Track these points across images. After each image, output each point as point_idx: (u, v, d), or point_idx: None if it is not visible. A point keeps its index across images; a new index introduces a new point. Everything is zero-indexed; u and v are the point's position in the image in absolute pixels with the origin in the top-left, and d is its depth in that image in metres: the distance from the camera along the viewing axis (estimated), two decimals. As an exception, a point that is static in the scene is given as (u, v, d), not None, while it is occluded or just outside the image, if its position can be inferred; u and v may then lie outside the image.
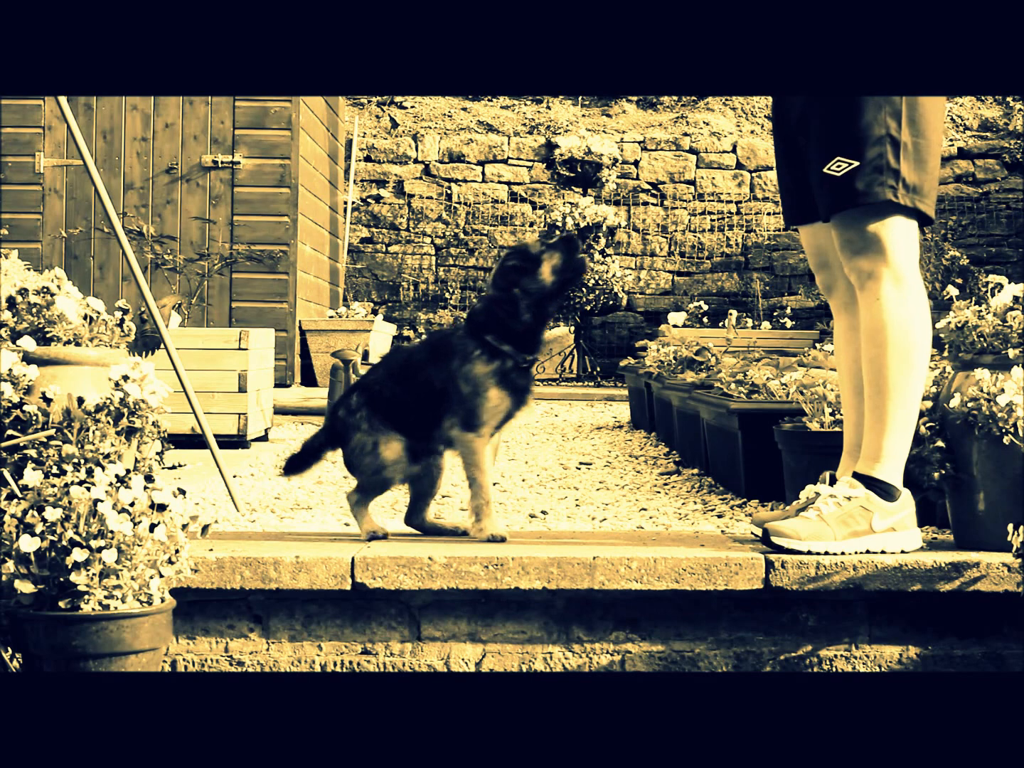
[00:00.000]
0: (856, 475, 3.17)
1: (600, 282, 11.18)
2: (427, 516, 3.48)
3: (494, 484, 5.44)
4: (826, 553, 3.03)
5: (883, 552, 3.08)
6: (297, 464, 3.44)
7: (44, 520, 2.57)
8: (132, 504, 2.61)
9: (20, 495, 2.72)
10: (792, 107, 3.25)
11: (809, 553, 3.03)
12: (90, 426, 3.01)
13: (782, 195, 3.42)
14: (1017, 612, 3.02)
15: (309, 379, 10.21)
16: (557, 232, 11.20)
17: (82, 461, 2.91)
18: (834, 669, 3.08)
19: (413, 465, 3.33)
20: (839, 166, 3.10)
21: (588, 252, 11.20)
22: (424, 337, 3.58)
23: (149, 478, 2.67)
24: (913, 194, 3.10)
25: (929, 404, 3.24)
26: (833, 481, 3.23)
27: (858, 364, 3.26)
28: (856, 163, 3.09)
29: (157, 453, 3.26)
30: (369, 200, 12.47)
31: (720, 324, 10.68)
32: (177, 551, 2.69)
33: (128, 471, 2.68)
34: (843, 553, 3.04)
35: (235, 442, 6.71)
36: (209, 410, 6.24)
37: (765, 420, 4.45)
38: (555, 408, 9.52)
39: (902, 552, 3.11)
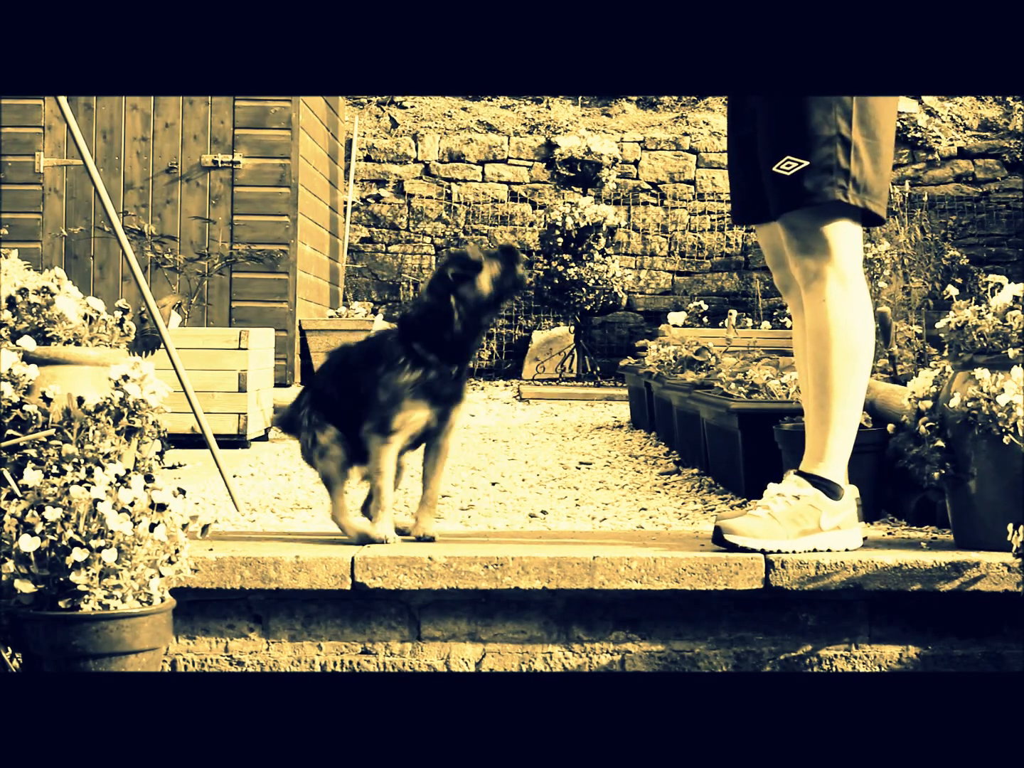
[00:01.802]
0: (802, 473, 3.18)
1: (600, 282, 11.17)
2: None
3: (493, 484, 5.46)
4: (779, 552, 3.04)
5: (829, 551, 3.09)
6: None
7: (44, 520, 2.57)
8: (132, 504, 2.61)
9: (20, 495, 2.72)
10: (747, 105, 3.24)
11: (763, 552, 3.04)
12: (90, 426, 3.02)
13: (732, 194, 3.39)
14: (1017, 612, 3.02)
15: (309, 379, 10.20)
16: (556, 231, 11.20)
17: (82, 461, 2.91)
18: (834, 669, 3.08)
19: (359, 463, 3.30)
20: (788, 165, 3.09)
21: (588, 252, 11.19)
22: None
23: (149, 478, 2.67)
24: (863, 194, 3.10)
25: (929, 404, 3.24)
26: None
27: None
28: (806, 163, 3.08)
29: (157, 453, 3.26)
30: (369, 200, 12.47)
31: (720, 324, 10.66)
32: (177, 551, 2.69)
33: (128, 471, 2.68)
34: (794, 552, 3.06)
35: (235, 442, 6.71)
36: (209, 410, 6.24)
37: (765, 420, 4.45)
38: (555, 408, 9.52)
39: (846, 550, 3.12)
